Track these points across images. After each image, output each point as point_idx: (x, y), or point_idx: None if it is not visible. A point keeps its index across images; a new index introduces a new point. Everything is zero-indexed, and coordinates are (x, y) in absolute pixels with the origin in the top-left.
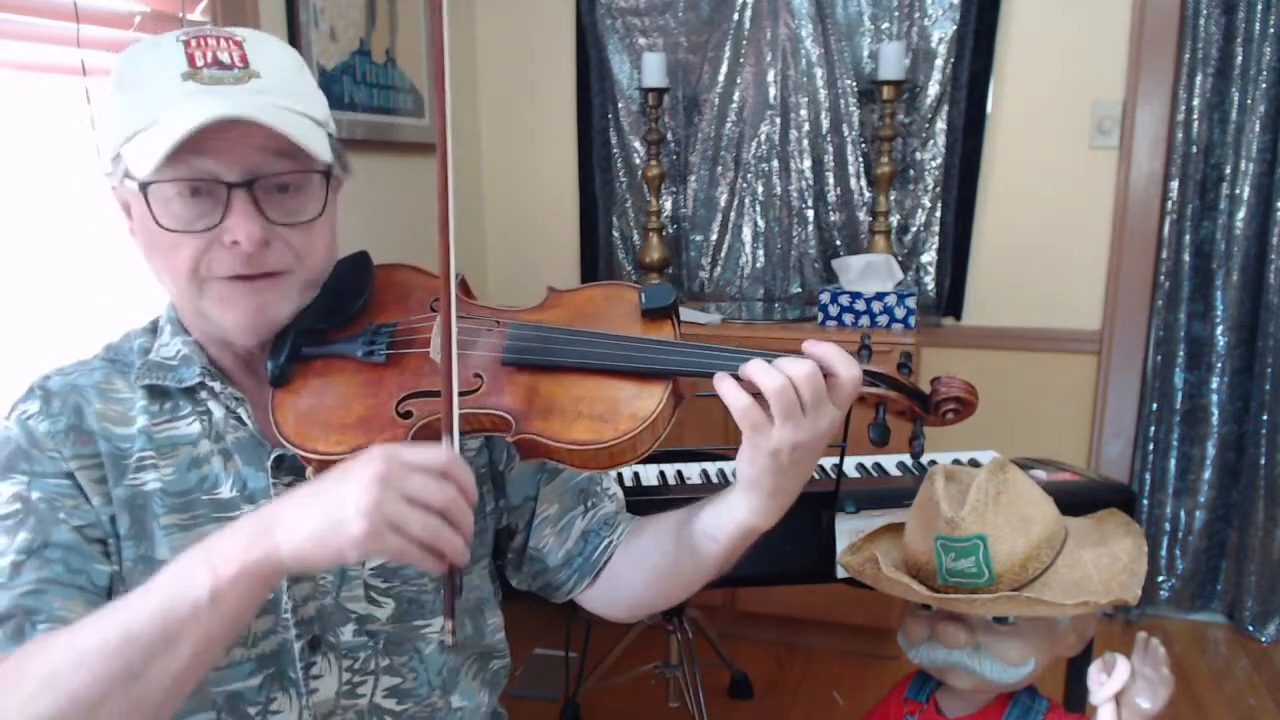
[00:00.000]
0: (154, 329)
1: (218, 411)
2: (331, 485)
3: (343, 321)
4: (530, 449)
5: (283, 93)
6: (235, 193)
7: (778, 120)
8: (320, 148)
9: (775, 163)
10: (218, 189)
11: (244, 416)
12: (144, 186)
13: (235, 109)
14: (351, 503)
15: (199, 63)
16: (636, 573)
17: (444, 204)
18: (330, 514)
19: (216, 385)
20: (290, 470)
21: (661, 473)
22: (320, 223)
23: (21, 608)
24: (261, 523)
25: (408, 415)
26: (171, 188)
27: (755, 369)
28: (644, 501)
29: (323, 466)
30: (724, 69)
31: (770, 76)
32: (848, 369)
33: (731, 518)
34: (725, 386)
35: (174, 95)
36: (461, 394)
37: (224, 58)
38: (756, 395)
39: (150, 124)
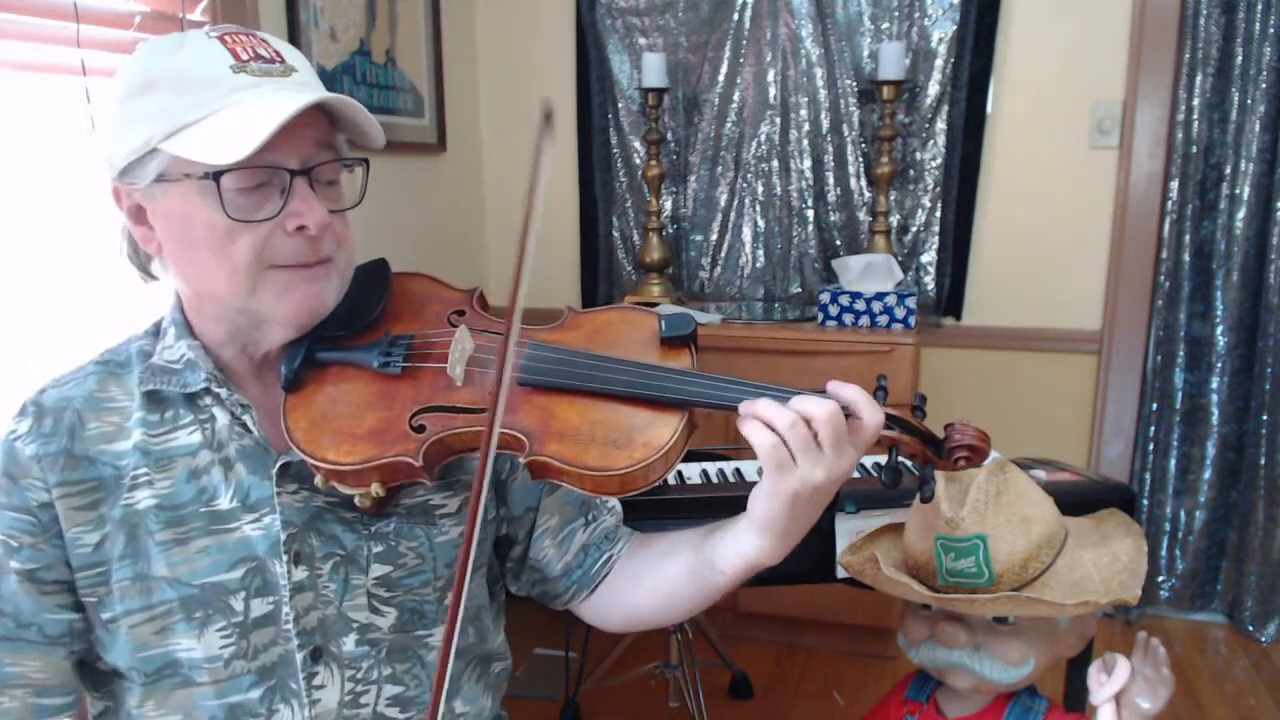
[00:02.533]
0: (156, 331)
1: (222, 418)
2: None
3: (359, 329)
4: (542, 471)
5: (318, 85)
6: (297, 180)
7: (778, 120)
8: (380, 137)
9: (775, 163)
10: (276, 178)
11: (249, 424)
12: (217, 176)
13: (322, 96)
14: None
15: (244, 56)
16: (635, 590)
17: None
18: None
19: (222, 392)
20: (296, 478)
21: None
22: (351, 212)
23: None
24: None
25: (421, 430)
26: (231, 179)
27: (764, 407)
28: (644, 502)
29: (332, 476)
30: (724, 69)
31: (770, 76)
32: (872, 414)
33: (739, 554)
34: (750, 427)
35: (230, 87)
36: (478, 411)
37: (263, 52)
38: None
39: (207, 115)
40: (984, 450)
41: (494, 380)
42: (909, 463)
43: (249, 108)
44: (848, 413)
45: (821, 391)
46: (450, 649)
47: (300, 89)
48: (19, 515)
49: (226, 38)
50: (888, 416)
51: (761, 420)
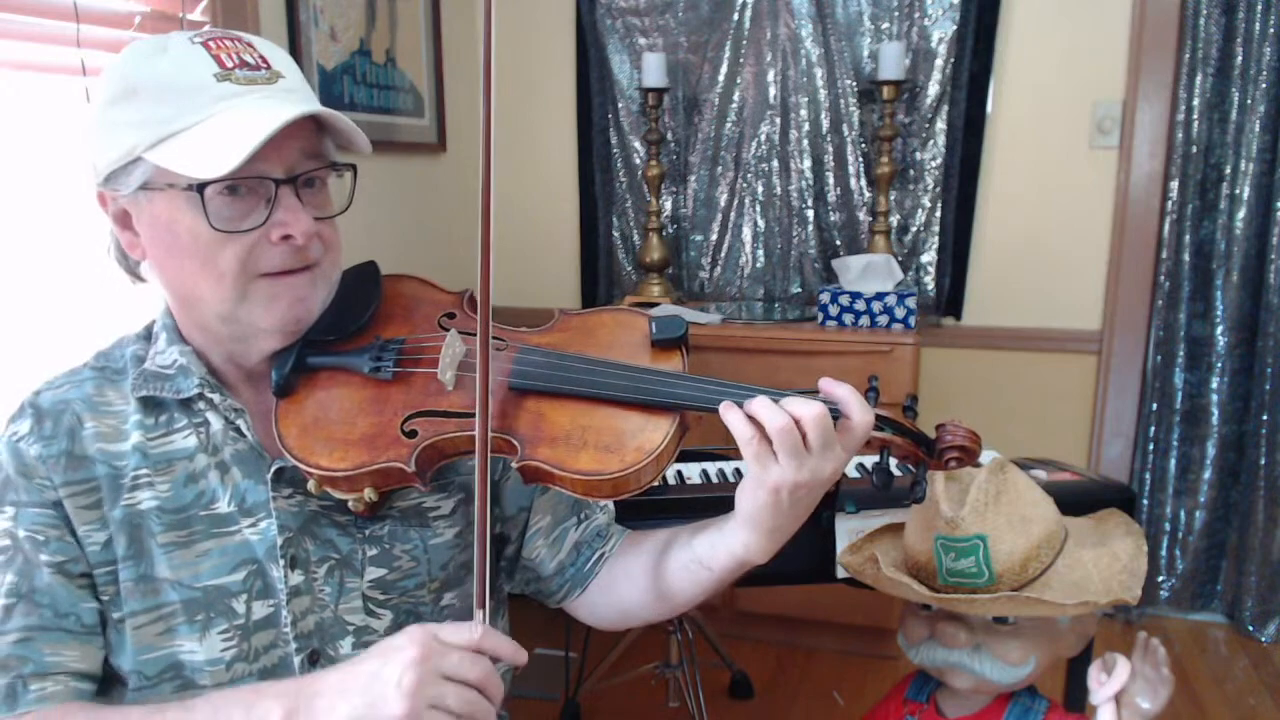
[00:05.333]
0: (148, 335)
1: (216, 423)
2: (373, 664)
3: (349, 333)
4: (534, 475)
5: (304, 90)
6: (283, 189)
7: (778, 120)
8: (366, 144)
9: (775, 163)
10: (261, 187)
11: (243, 428)
12: (201, 187)
13: (309, 106)
14: (393, 682)
15: (228, 63)
16: (627, 587)
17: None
18: (371, 692)
19: (215, 397)
20: (290, 483)
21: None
22: (348, 214)
23: (13, 657)
24: (305, 693)
25: (413, 435)
26: (216, 189)
27: (760, 406)
28: (645, 502)
29: (325, 482)
30: (724, 69)
31: (770, 76)
32: (862, 415)
33: (726, 549)
34: (731, 416)
35: (214, 96)
36: (469, 415)
37: (248, 58)
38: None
39: (191, 125)
40: (975, 451)
41: (479, 381)
42: (902, 463)
43: (233, 118)
44: (837, 413)
45: (815, 392)
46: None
47: (286, 96)
48: (41, 510)
49: (210, 43)
50: (878, 418)
51: (746, 416)
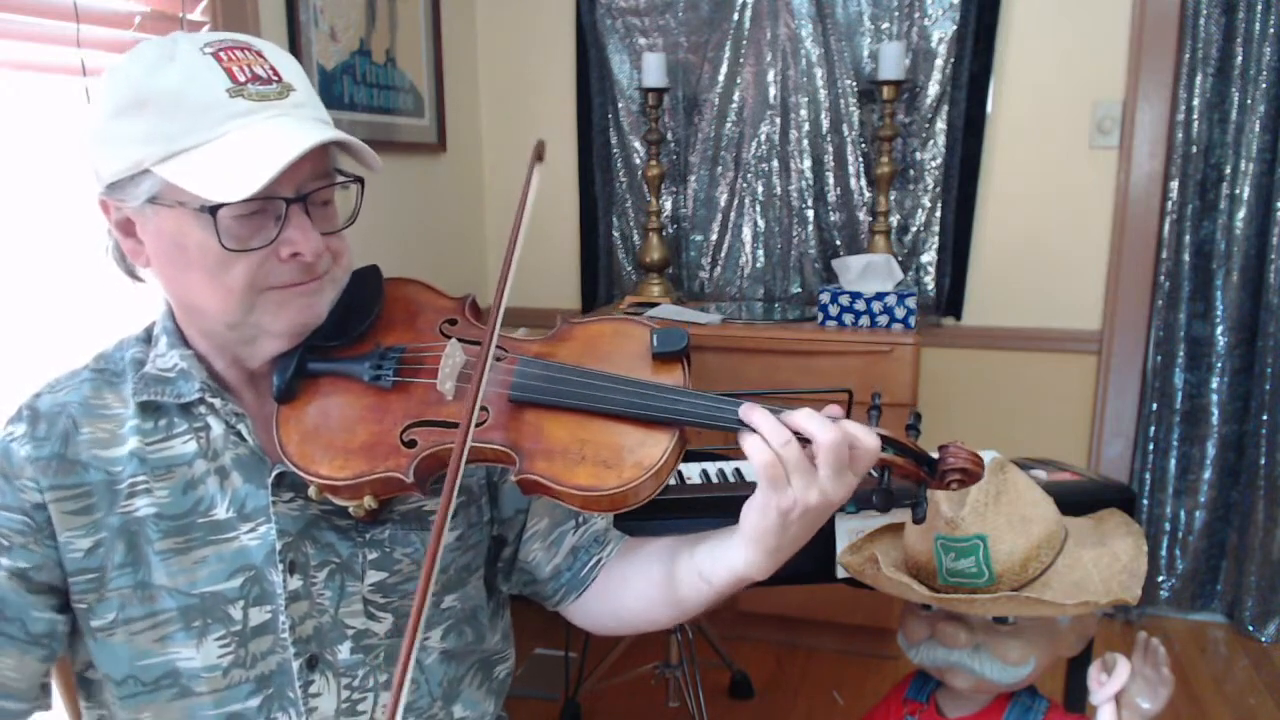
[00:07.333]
0: (148, 338)
1: (216, 428)
2: None
3: (351, 339)
4: (532, 488)
5: (314, 104)
6: (292, 208)
7: (778, 120)
8: (377, 163)
9: (775, 163)
10: (271, 205)
11: (244, 433)
12: (214, 209)
13: (324, 133)
14: None
15: (240, 77)
16: (625, 594)
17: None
18: None
19: (217, 401)
20: (291, 487)
21: None
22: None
23: None
24: None
25: (412, 444)
26: (228, 210)
27: (760, 417)
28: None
29: (325, 489)
30: (724, 69)
31: (770, 76)
32: (869, 442)
33: (726, 565)
34: (750, 443)
35: (228, 113)
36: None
37: (259, 71)
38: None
39: (204, 141)
40: (977, 473)
41: (469, 398)
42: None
43: (248, 138)
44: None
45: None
46: (409, 662)
47: (299, 114)
48: (12, 515)
49: (221, 54)
50: (883, 439)
51: (758, 434)
